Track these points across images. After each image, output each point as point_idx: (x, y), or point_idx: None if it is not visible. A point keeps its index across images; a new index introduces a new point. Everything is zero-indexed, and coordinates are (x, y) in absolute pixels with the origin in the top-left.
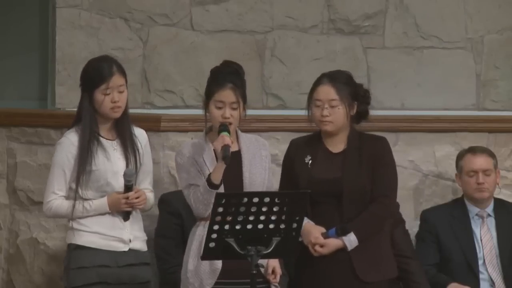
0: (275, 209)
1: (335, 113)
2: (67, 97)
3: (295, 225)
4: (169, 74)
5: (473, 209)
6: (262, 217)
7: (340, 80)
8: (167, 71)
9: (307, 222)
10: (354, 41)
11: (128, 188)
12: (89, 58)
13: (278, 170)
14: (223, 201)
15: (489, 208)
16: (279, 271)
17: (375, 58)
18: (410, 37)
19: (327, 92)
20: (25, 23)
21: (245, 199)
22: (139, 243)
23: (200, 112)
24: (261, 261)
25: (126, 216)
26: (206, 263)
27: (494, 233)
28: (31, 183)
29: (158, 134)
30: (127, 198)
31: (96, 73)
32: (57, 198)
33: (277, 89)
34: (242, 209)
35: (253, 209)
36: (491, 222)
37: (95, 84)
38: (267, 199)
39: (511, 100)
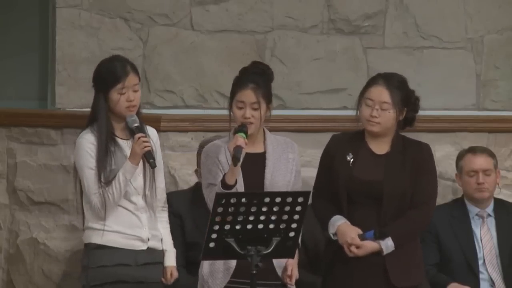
0: (275, 209)
1: (384, 116)
2: (67, 97)
3: (295, 225)
4: (169, 74)
5: (473, 209)
6: (262, 217)
7: (395, 84)
8: (167, 71)
9: (343, 222)
10: (354, 41)
11: (139, 129)
12: (89, 58)
13: None
14: (223, 201)
15: (489, 208)
16: (296, 272)
17: (375, 58)
18: (410, 37)
19: (381, 93)
20: (25, 23)
21: (245, 199)
22: (156, 242)
23: (200, 112)
24: (276, 262)
25: (151, 159)
26: (220, 262)
27: (494, 233)
28: (31, 183)
29: (158, 134)
30: (139, 138)
31: (111, 73)
32: (98, 197)
33: (277, 89)
34: (242, 209)
35: (253, 209)
36: (491, 222)
37: (111, 84)
38: (267, 199)
39: (511, 100)
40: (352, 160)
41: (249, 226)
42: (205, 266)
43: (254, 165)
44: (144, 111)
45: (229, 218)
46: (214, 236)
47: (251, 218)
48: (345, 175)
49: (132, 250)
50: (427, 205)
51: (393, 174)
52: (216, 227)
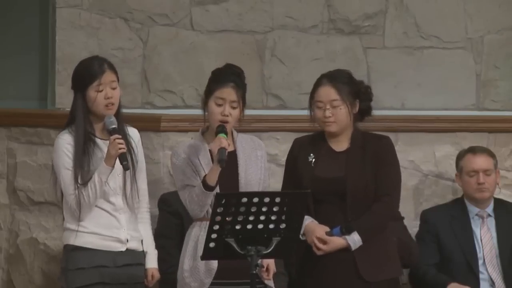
0: (275, 209)
1: (337, 113)
2: (67, 97)
3: (295, 225)
4: (169, 74)
5: (473, 209)
6: (262, 217)
7: (340, 79)
8: (167, 71)
9: (311, 221)
10: (354, 41)
11: (116, 130)
12: None
13: (279, 170)
14: (223, 201)
15: (489, 208)
16: (272, 267)
17: (375, 58)
18: (410, 37)
19: (328, 93)
20: (25, 23)
21: (245, 199)
22: (136, 243)
23: (200, 112)
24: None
25: (124, 161)
26: (202, 263)
27: (494, 233)
28: (31, 183)
29: (158, 134)
30: (114, 139)
31: (87, 71)
32: (74, 198)
33: (277, 89)
34: (242, 209)
35: (253, 209)
36: (491, 222)
37: (87, 82)
38: (267, 199)
39: (511, 100)
40: (313, 160)
41: (249, 226)
42: (186, 268)
43: (226, 164)
44: (144, 111)
45: (229, 218)
46: (214, 236)
47: (251, 218)
48: (307, 175)
49: (110, 251)
50: (390, 196)
51: (354, 169)
52: (216, 227)
